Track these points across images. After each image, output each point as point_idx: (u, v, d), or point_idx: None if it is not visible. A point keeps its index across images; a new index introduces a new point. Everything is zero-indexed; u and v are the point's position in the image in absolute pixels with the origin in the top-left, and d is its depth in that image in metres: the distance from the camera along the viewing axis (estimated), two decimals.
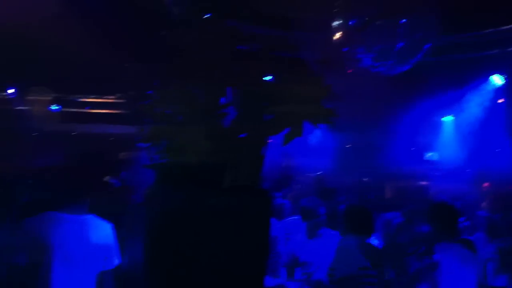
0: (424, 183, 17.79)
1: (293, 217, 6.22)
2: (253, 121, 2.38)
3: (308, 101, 2.34)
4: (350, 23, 6.10)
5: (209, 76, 2.41)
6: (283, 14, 6.07)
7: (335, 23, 6.18)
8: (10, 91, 13.17)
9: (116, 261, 3.46)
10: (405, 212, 6.48)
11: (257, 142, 2.34)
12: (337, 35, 6.18)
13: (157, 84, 2.38)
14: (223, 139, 2.29)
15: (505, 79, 8.68)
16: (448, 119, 11.70)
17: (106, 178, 7.17)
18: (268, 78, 2.83)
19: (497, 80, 8.91)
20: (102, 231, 3.44)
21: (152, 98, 2.21)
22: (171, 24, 2.54)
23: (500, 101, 9.73)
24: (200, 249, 2.02)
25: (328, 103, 2.67)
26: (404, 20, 6.16)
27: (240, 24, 5.28)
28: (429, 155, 16.87)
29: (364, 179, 13.42)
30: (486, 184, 13.79)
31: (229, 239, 2.04)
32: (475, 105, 9.86)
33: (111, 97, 13.66)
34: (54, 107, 13.89)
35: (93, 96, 14.47)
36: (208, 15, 2.63)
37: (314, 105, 2.34)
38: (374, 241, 5.77)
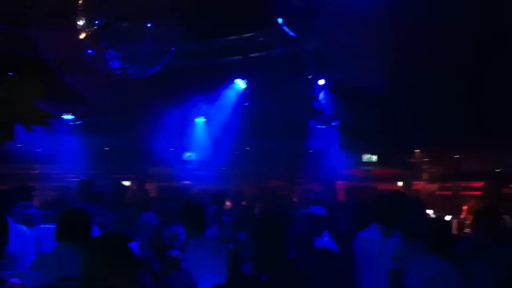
0: (185, 182, 18.44)
1: (44, 225, 6.00)
2: None
3: (21, 102, 2.20)
4: (95, 23, 5.96)
5: None
6: (21, 12, 5.63)
7: (80, 23, 5.98)
8: None
9: None
10: (159, 211, 6.63)
11: None
12: (82, 35, 5.98)
13: None
14: None
15: (247, 83, 9.46)
16: (201, 120, 12.29)
17: None
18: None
19: (241, 84, 9.66)
20: None
21: None
22: None
23: (245, 104, 10.57)
24: None
25: (54, 104, 2.55)
26: (150, 23, 6.26)
27: None
28: (187, 155, 17.53)
29: (122, 182, 13.34)
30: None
31: None
32: (222, 107, 10.54)
33: None
34: None
35: None
36: None
37: (27, 107, 2.21)
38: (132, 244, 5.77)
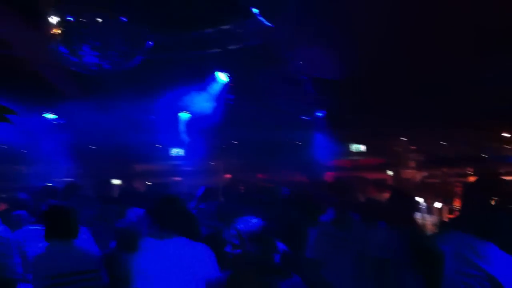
0: (176, 179, 18.39)
1: (31, 226, 5.98)
2: None
3: None
4: (67, 19, 5.90)
5: None
6: None
7: (52, 18, 5.91)
8: None
9: None
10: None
11: None
12: (55, 31, 5.92)
13: None
14: None
15: (229, 76, 9.41)
16: (185, 115, 12.24)
17: None
18: None
19: (222, 77, 9.60)
20: None
21: None
22: None
23: (229, 97, 10.53)
24: None
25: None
26: (124, 18, 6.21)
27: None
28: (175, 151, 17.49)
29: (112, 179, 13.27)
30: (228, 175, 14.88)
31: None
32: (205, 101, 10.48)
33: None
34: None
35: None
36: None
37: None
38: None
